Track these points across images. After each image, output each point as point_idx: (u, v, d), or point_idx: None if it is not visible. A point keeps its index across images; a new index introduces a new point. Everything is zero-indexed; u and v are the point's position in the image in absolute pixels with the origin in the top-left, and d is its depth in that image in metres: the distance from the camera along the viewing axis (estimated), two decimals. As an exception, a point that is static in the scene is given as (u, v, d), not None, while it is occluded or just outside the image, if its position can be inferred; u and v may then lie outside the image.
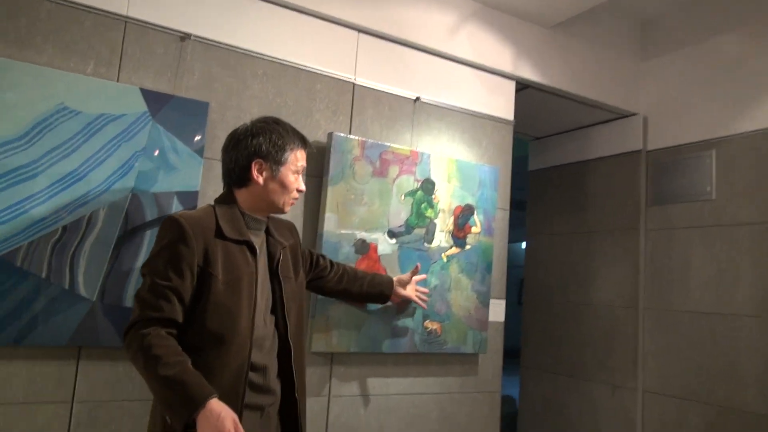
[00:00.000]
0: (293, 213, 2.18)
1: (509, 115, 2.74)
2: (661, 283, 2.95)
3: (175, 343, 1.42)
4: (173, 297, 1.42)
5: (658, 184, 3.02)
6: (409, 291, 2.20)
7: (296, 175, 1.65)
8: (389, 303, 2.20)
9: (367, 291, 2.07)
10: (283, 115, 2.17)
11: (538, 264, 3.65)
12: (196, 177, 1.95)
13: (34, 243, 1.72)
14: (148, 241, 1.87)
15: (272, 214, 1.68)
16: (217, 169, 2.03)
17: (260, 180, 1.59)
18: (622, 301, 3.09)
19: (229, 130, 2.05)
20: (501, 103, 2.72)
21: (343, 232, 2.20)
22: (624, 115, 3.16)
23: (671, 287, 2.91)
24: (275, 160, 1.60)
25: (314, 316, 2.13)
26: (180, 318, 1.44)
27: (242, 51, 2.13)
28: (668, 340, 2.89)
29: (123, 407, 1.86)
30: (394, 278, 2.16)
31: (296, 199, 1.68)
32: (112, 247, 1.82)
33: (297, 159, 1.64)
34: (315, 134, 2.25)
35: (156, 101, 1.90)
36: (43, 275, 1.73)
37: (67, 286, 1.76)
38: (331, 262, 2.01)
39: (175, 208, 1.91)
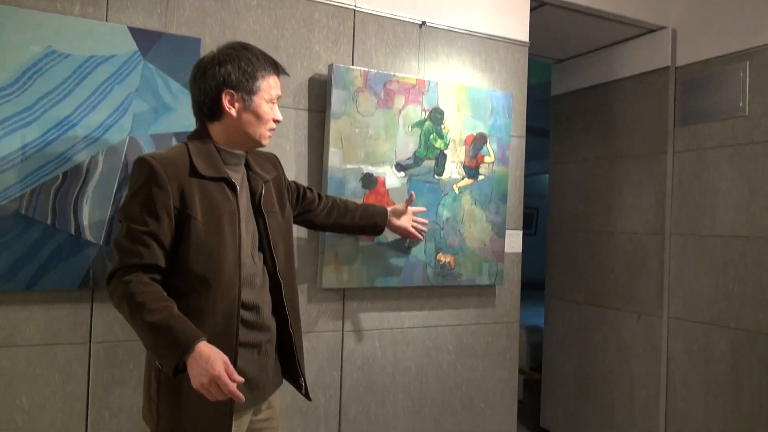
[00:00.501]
0: (297, 149, 2.14)
1: (524, 36, 2.59)
2: (689, 207, 2.83)
3: (158, 288, 1.39)
4: (151, 242, 1.38)
5: (687, 102, 2.84)
6: (404, 222, 2.11)
7: (271, 104, 1.55)
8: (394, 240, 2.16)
9: (359, 223, 1.98)
10: (280, 48, 2.11)
11: (562, 193, 3.55)
12: (192, 116, 1.91)
13: (35, 190, 1.73)
14: (149, 184, 1.86)
15: (250, 149, 1.60)
16: (215, 107, 2.00)
17: (233, 112, 1.50)
18: (648, 228, 2.99)
19: (225, 67, 2.02)
20: (514, 24, 2.56)
21: (348, 167, 2.14)
22: (651, 30, 2.95)
23: (699, 211, 2.79)
24: (246, 90, 1.50)
25: (323, 252, 2.12)
26: (162, 262, 1.41)
27: (234, -19, 2.04)
28: (695, 265, 2.80)
29: (139, 346, 1.90)
30: (389, 209, 2.07)
31: (273, 129, 1.59)
32: (114, 191, 1.82)
33: (270, 87, 1.54)
34: (315, 67, 2.17)
35: (146, 40, 1.84)
36: (48, 221, 1.75)
37: (73, 232, 1.78)
38: (320, 195, 1.93)
39: (174, 149, 1.88)
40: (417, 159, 2.27)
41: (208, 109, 1.52)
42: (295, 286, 1.68)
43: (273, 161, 1.73)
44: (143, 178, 1.41)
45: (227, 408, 1.42)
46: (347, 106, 2.14)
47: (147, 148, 1.85)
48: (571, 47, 3.32)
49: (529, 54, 3.29)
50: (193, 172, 1.45)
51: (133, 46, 1.83)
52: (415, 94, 2.26)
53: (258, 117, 1.53)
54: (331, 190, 2.11)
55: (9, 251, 1.71)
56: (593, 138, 3.32)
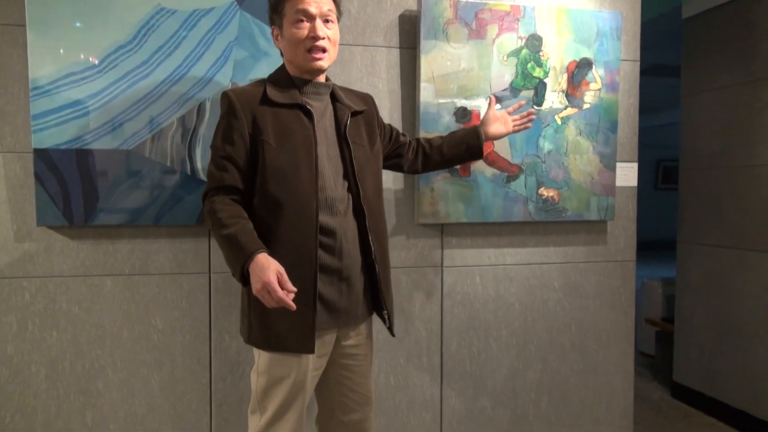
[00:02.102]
0: (390, 87, 2.16)
1: (636, -52, 2.35)
2: None
3: (237, 207, 1.51)
4: (229, 165, 1.52)
5: None
6: (500, 128, 1.94)
7: (298, 24, 1.54)
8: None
9: (449, 155, 1.90)
10: (370, -13, 2.13)
11: (696, 127, 3.21)
12: (287, 60, 2.01)
13: (156, 135, 1.95)
14: (251, 126, 2.00)
15: (311, 74, 1.61)
16: (309, 50, 2.08)
17: (279, 45, 1.63)
18: (797, 157, 2.62)
19: (317, 10, 2.08)
20: (624, -64, 2.34)
21: (441, 101, 2.13)
22: (800, -75, 2.53)
23: None
24: (278, 21, 1.60)
25: (419, 188, 2.14)
26: (240, 185, 1.53)
27: (322, -75, 2.08)
28: None
29: (252, 277, 2.10)
30: (482, 120, 1.94)
31: (314, 49, 1.55)
32: (221, 134, 1.99)
33: (290, 8, 1.55)
34: (406, 3, 2.16)
35: (240, -11, 1.97)
36: (168, 163, 1.96)
37: (189, 172, 1.98)
38: (410, 141, 1.92)
39: (272, 92, 2.00)
40: (514, 89, 2.19)
41: (275, 47, 1.67)
42: (383, 219, 1.71)
43: (366, 99, 1.77)
44: (223, 110, 1.57)
45: (310, 323, 1.52)
46: (438, 40, 2.11)
47: (248, 93, 1.99)
48: (703, -40, 2.95)
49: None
50: (265, 100, 1.56)
51: (229, -4, 1.96)
52: (509, 21, 2.17)
53: (289, 42, 1.57)
54: (424, 126, 2.12)
55: (139, 190, 1.95)
56: (731, 62, 2.95)
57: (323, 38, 1.56)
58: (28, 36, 1.85)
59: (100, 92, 1.90)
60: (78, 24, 1.87)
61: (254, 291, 1.42)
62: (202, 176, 1.98)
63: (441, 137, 1.95)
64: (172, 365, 2.05)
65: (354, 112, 1.66)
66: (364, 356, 1.72)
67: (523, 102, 2.12)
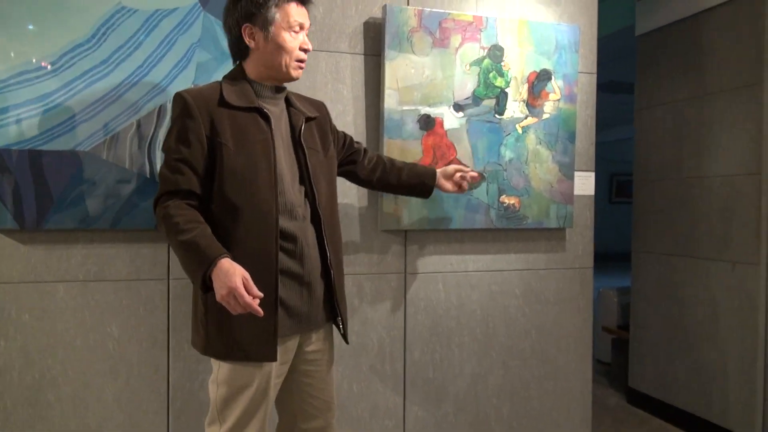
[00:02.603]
0: (355, 93, 2.17)
1: (592, -35, 2.44)
2: (791, 142, 2.56)
3: (193, 211, 1.46)
4: (186, 168, 1.46)
5: (786, 25, 2.56)
6: (449, 186, 1.98)
7: (292, 33, 1.55)
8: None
9: (405, 181, 1.92)
10: (335, -6, 2.14)
11: (648, 140, 3.33)
12: (251, 64, 2.00)
13: (114, 137, 1.90)
14: (213, 129, 1.97)
15: (282, 81, 1.62)
16: (274, 55, 2.07)
17: (254, 45, 1.54)
18: (742, 169, 2.74)
19: (282, 15, 2.08)
20: (581, -47, 2.42)
21: (405, 108, 2.15)
22: (743, -51, 2.67)
23: (803, 146, 2.51)
24: (262, 21, 1.52)
25: (382, 195, 2.15)
26: (197, 188, 1.48)
27: (287, -69, 2.09)
28: (798, 206, 2.53)
29: (213, 283, 2.05)
30: (439, 170, 1.98)
31: (301, 60, 1.59)
32: (183, 137, 1.95)
33: (288, 14, 1.54)
34: (370, 11, 2.18)
35: (204, -9, 1.95)
36: (127, 165, 1.91)
37: (148, 175, 1.93)
38: (366, 150, 1.92)
39: (235, 95, 1.98)
40: (476, 98, 2.23)
41: (235, 47, 1.58)
42: (338, 225, 1.71)
43: (318, 105, 1.77)
44: (177, 111, 1.51)
45: (271, 330, 1.49)
46: (402, 47, 2.13)
47: (210, 96, 1.96)
48: (655, -20, 3.08)
49: (609, -8, 3.13)
50: (222, 102, 1.51)
51: (193, -2, 1.94)
52: (472, 31, 2.21)
53: (278, 47, 1.54)
54: (389, 132, 2.13)
55: (96, 193, 1.89)
56: (681, 77, 3.08)
57: (309, 50, 1.60)
58: (-21, 32, 1.78)
59: (54, 92, 1.84)
60: (31, 26, 1.81)
61: (219, 297, 1.37)
62: (162, 179, 1.94)
63: (403, 162, 1.97)
64: (128, 375, 1.98)
65: (308, 117, 1.66)
66: (325, 361, 1.70)
67: (476, 175, 2.07)
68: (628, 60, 3.93)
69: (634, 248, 3.44)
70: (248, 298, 1.35)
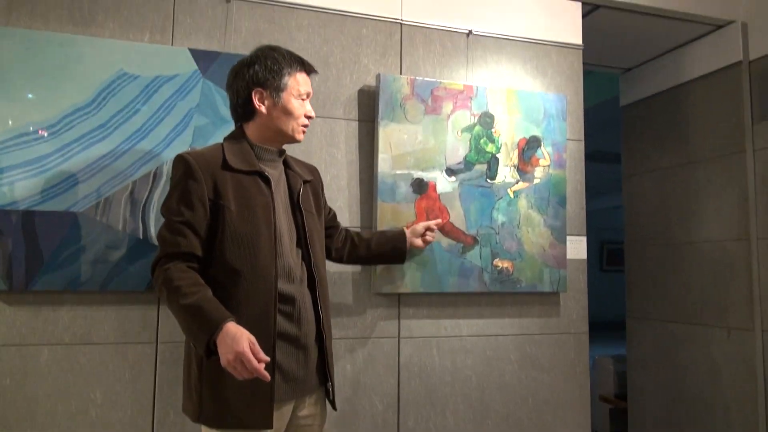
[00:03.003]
0: (349, 158, 2.21)
1: (577, 39, 2.55)
2: (776, 208, 2.61)
3: (195, 275, 1.45)
4: (188, 231, 1.46)
5: (764, 96, 2.66)
6: (419, 242, 2.06)
7: (300, 100, 1.62)
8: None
9: (375, 251, 1.95)
10: (331, 64, 2.22)
11: (637, 207, 3.38)
12: (248, 128, 2.04)
13: (109, 198, 1.91)
14: (208, 191, 1.99)
15: (286, 146, 1.68)
16: (270, 120, 2.12)
17: (263, 109, 1.58)
18: (731, 234, 2.77)
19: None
20: (566, 27, 2.54)
21: (398, 172, 2.19)
22: (719, 26, 2.82)
23: (788, 211, 2.56)
24: (274, 87, 1.58)
25: (376, 257, 2.14)
26: (198, 251, 1.48)
27: (286, 5, 2.19)
28: (789, 271, 2.55)
29: (202, 347, 2.01)
30: (408, 230, 2.04)
31: (306, 126, 1.66)
32: (177, 198, 1.96)
33: (298, 83, 1.61)
34: (365, 79, 2.25)
35: (205, 60, 2.02)
36: (120, 227, 1.91)
37: (141, 237, 1.93)
38: (341, 228, 1.96)
39: (231, 158, 2.01)
40: (468, 163, 2.27)
41: (241, 109, 1.62)
42: (327, 288, 1.71)
43: (312, 170, 1.81)
44: (180, 173, 1.52)
45: (268, 396, 1.46)
46: (395, 114, 2.20)
47: (207, 159, 1.99)
48: (636, 54, 3.23)
49: (596, 65, 3.27)
50: (225, 165, 1.54)
51: (193, 65, 2.00)
52: (463, 99, 2.28)
53: (287, 113, 1.60)
54: (382, 195, 2.15)
55: (86, 254, 1.88)
56: (666, 145, 3.17)
57: (313, 118, 1.69)
58: (-19, 96, 1.82)
59: (52, 153, 1.87)
60: (32, 89, 1.85)
61: (224, 362, 1.35)
62: (155, 241, 1.93)
63: (370, 232, 2.02)
64: (110, 444, 1.90)
65: (304, 180, 1.69)
66: (317, 426, 1.66)
67: (440, 222, 2.17)
68: (612, 130, 4.05)
69: (628, 314, 3.41)
70: (256, 363, 1.33)
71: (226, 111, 2.00)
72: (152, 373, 1.96)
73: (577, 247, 2.46)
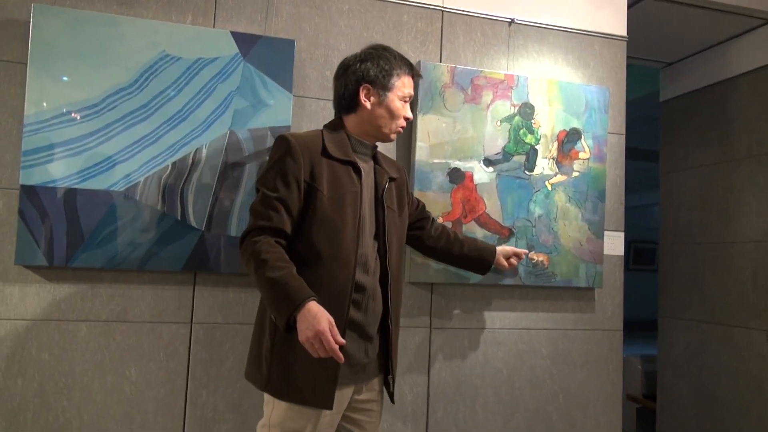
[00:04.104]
0: (386, 145, 2.18)
1: (621, 30, 2.49)
2: (824, 209, 2.52)
3: (282, 250, 1.50)
4: (281, 207, 1.51)
5: (815, 93, 2.57)
6: (505, 264, 2.09)
7: (403, 102, 1.67)
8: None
9: (467, 254, 1.98)
10: (370, 50, 2.19)
11: (675, 203, 3.30)
12: (287, 112, 2.03)
13: (149, 178, 1.92)
14: (247, 174, 1.99)
15: (379, 144, 1.74)
16: (308, 107, 2.12)
17: (368, 105, 1.64)
18: (774, 235, 2.69)
19: (319, 69, 2.14)
20: (610, 18, 2.48)
21: (435, 161, 2.16)
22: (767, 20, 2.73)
23: (837, 213, 2.47)
24: (382, 86, 1.63)
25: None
26: (288, 228, 1.52)
27: (327, -11, 2.17)
28: (834, 275, 2.47)
29: (235, 329, 2.02)
30: (499, 248, 2.07)
31: (403, 127, 1.71)
32: (216, 181, 1.97)
33: (404, 85, 1.66)
34: (404, 66, 2.22)
35: (246, 42, 2.01)
36: (158, 207, 1.93)
37: (179, 217, 1.94)
38: (433, 219, 2.00)
39: (270, 142, 2.01)
40: (506, 154, 2.24)
41: (346, 102, 1.66)
42: (401, 284, 1.76)
43: (399, 167, 1.84)
44: (281, 151, 1.56)
45: (333, 375, 1.50)
46: (434, 102, 2.17)
47: (245, 142, 2.00)
48: (682, 47, 3.14)
49: (636, 58, 3.19)
50: (324, 152, 1.59)
51: (234, 48, 2.00)
52: (503, 89, 2.24)
53: (390, 112, 1.65)
54: (419, 184, 2.13)
55: (126, 233, 1.90)
56: (708, 142, 3.08)
57: (410, 120, 1.73)
58: (28, 73, 1.84)
59: (95, 132, 1.88)
60: (77, 69, 1.87)
61: (303, 338, 1.39)
62: (193, 222, 1.94)
63: (465, 236, 2.06)
64: (143, 421, 1.92)
65: (390, 177, 1.72)
66: (375, 413, 1.70)
67: (526, 252, 2.19)
68: (647, 127, 3.96)
69: (660, 314, 3.35)
70: (333, 344, 1.37)
71: (266, 94, 2.02)
72: (186, 353, 1.97)
73: (614, 243, 2.41)
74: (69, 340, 1.88)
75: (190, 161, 1.96)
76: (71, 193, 1.85)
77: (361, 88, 1.63)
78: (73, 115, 1.86)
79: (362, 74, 1.63)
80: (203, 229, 1.96)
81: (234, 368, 2.01)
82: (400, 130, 1.71)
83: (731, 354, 2.87)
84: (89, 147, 1.87)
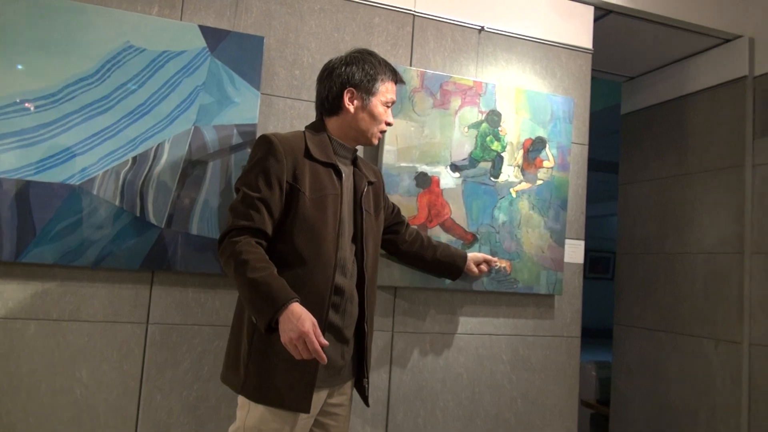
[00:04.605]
0: (353, 147, 2.17)
1: (587, 43, 2.54)
2: (772, 223, 2.63)
3: (263, 251, 1.48)
4: (263, 208, 1.49)
5: (766, 112, 2.68)
6: (476, 270, 2.13)
7: (385, 107, 1.69)
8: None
9: (439, 259, 2.02)
10: (341, 51, 2.16)
11: (632, 214, 3.39)
12: (254, 110, 2.00)
13: (107, 173, 1.86)
14: (210, 171, 1.95)
15: (358, 147, 1.74)
16: (275, 105, 2.09)
17: (351, 108, 1.64)
18: (725, 247, 2.79)
19: (288, 67, 2.12)
20: (577, 31, 2.53)
21: (403, 165, 2.16)
22: (726, 40, 2.83)
23: (784, 228, 2.58)
24: (366, 90, 1.64)
25: (375, 249, 2.12)
26: (269, 230, 1.51)
27: (299, -13, 2.15)
28: (780, 287, 2.57)
29: (193, 330, 1.97)
30: (469, 255, 2.10)
31: (383, 131, 1.72)
32: (177, 177, 1.92)
33: (387, 90, 1.68)
34: (374, 68, 2.22)
35: (214, 37, 1.97)
36: (117, 203, 1.86)
37: (138, 214, 1.88)
38: (408, 223, 2.02)
39: (235, 140, 1.97)
40: (473, 160, 2.25)
41: (329, 104, 1.66)
42: (376, 286, 1.76)
43: (376, 172, 1.85)
44: (263, 151, 1.54)
45: (311, 378, 1.49)
46: (403, 106, 2.17)
47: (210, 138, 1.95)
48: (642, 63, 3.23)
49: (600, 71, 3.26)
50: (307, 153, 1.57)
51: (202, 42, 1.95)
52: (471, 95, 2.26)
53: (372, 116, 1.66)
54: (386, 188, 2.12)
55: (81, 228, 1.83)
56: (665, 155, 3.18)
57: (392, 125, 1.75)
58: (-19, 58, 1.75)
59: (51, 123, 1.81)
60: (35, 57, 1.79)
61: (286, 339, 1.38)
62: (152, 219, 1.89)
63: (438, 242, 2.08)
64: (93, 424, 1.85)
65: (369, 181, 1.72)
66: (343, 417, 1.69)
67: (496, 261, 2.21)
68: (607, 139, 4.06)
69: (616, 321, 3.43)
70: (317, 345, 1.37)
71: (232, 90, 1.98)
72: (141, 355, 1.91)
73: (575, 251, 2.46)
74: (16, 339, 1.80)
75: (152, 156, 1.90)
76: (23, 184, 1.77)
77: (345, 92, 1.64)
78: (26, 105, 1.79)
79: (347, 78, 1.64)
80: (163, 226, 1.90)
81: (191, 370, 1.96)
82: (381, 135, 1.73)
83: (682, 361, 2.96)
84: (45, 138, 1.80)
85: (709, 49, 2.93)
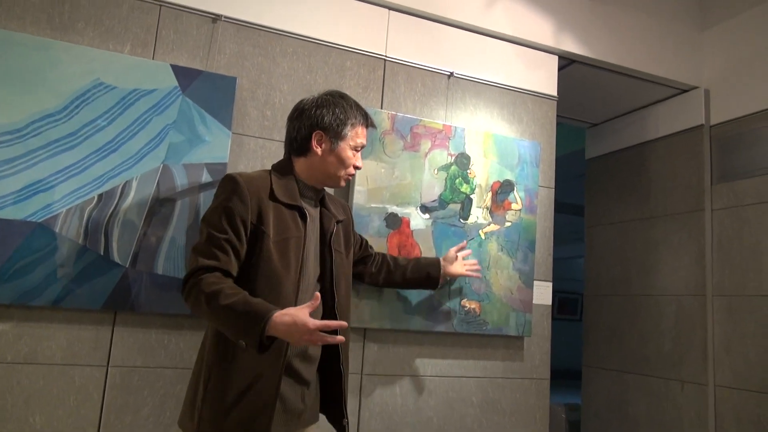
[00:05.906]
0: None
1: (552, 90, 2.63)
2: (732, 266, 2.70)
3: (231, 282, 1.46)
4: (229, 249, 1.48)
5: (723, 159, 2.79)
6: (458, 268, 2.12)
7: (354, 152, 1.68)
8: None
9: (411, 277, 2.01)
10: (313, 92, 2.19)
11: (598, 257, 3.45)
12: (224, 149, 2.00)
13: (71, 210, 1.82)
14: (178, 209, 1.92)
15: (327, 188, 1.73)
16: (246, 144, 2.10)
17: (318, 151, 1.63)
18: (688, 290, 2.85)
19: (260, 107, 2.13)
20: (543, 79, 2.62)
21: (373, 205, 2.17)
22: (683, 90, 2.96)
23: (743, 270, 2.65)
24: (335, 134, 1.63)
25: (344, 290, 2.10)
26: (234, 271, 1.49)
27: (272, 30, 2.18)
28: (742, 329, 2.63)
29: (156, 373, 1.91)
30: (441, 258, 2.09)
31: (352, 175, 1.72)
32: (144, 215, 1.89)
33: (357, 135, 1.67)
34: (345, 110, 2.25)
35: (186, 76, 1.98)
36: (80, 241, 1.82)
37: (102, 252, 1.84)
38: (375, 254, 2.02)
39: (205, 179, 1.96)
40: (442, 202, 2.28)
41: (297, 144, 1.65)
42: (348, 327, 1.73)
43: (344, 207, 1.85)
44: (228, 191, 1.52)
45: (266, 422, 1.46)
46: (374, 147, 2.19)
47: (179, 177, 1.94)
48: (605, 110, 3.35)
49: (565, 117, 3.37)
50: (272, 195, 1.56)
51: (173, 81, 1.96)
52: (441, 138, 2.30)
53: (340, 160, 1.65)
54: (356, 228, 2.12)
55: (41, 267, 1.77)
56: (629, 199, 3.27)
57: (360, 168, 1.75)
58: (-55, 92, 1.72)
59: (15, 158, 1.78)
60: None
61: (296, 341, 1.38)
62: (117, 257, 1.84)
63: (407, 259, 2.06)
64: (45, 474, 1.76)
65: (338, 220, 1.71)
66: None
67: (465, 243, 2.25)
68: (573, 182, 4.17)
69: (584, 363, 3.44)
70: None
71: (204, 130, 1.98)
72: (100, 399, 1.84)
73: (543, 293, 2.48)
74: (-34, 383, 1.71)
75: (119, 194, 1.87)
76: (-18, 221, 1.72)
77: (314, 134, 1.63)
78: (-8, 139, 1.75)
79: (316, 120, 1.63)
80: (127, 265, 1.86)
81: (152, 415, 1.88)
82: (349, 178, 1.72)
83: (649, 403, 2.98)
84: (7, 174, 1.76)
85: (667, 98, 3.06)
